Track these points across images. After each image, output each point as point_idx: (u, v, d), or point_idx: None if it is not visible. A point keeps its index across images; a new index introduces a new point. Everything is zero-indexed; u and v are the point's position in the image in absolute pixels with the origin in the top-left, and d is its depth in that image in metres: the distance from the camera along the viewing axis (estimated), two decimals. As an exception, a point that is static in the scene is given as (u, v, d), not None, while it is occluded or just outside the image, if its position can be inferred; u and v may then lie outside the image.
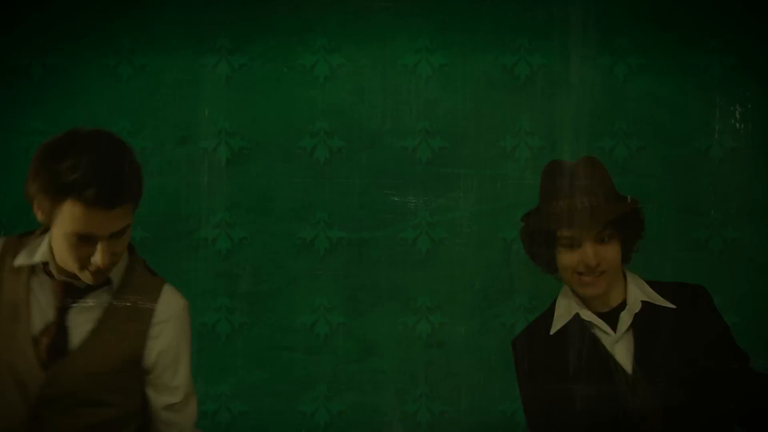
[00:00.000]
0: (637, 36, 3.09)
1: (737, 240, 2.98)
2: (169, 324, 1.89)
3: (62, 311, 1.80)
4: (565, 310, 2.03)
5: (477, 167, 3.03)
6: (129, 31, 3.16)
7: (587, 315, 1.99)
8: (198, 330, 3.08)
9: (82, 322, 1.81)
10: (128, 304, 1.84)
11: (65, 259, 1.75)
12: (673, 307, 1.96)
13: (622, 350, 1.97)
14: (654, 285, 2.03)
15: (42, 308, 1.81)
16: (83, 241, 1.71)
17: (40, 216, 1.75)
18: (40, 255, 1.81)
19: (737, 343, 2.05)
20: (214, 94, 3.18)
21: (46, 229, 1.81)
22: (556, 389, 1.98)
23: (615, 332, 1.98)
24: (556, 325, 2.01)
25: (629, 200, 2.00)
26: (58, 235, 1.74)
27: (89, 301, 1.83)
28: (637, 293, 2.00)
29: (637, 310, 1.97)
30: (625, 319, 1.98)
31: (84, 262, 1.74)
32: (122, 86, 3.13)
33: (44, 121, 3.18)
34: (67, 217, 1.69)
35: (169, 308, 1.90)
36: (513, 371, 2.16)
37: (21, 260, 1.81)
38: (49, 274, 1.81)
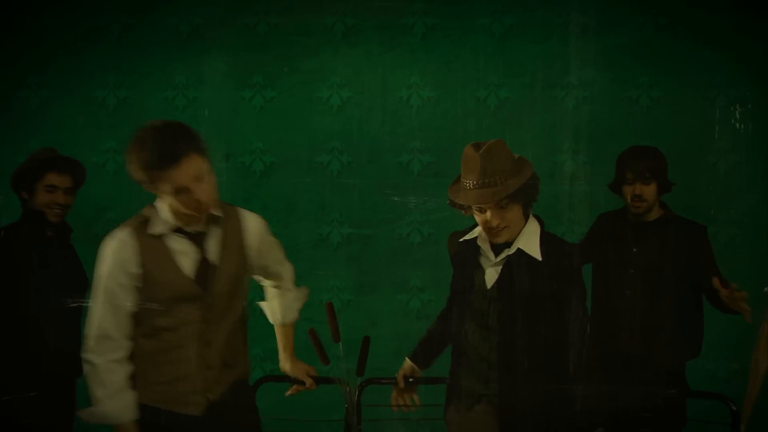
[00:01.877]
0: (583, 75, 3.33)
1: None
2: (255, 234, 2.25)
3: (200, 246, 2.15)
4: (476, 230, 2.34)
5: (457, 178, 3.33)
6: (183, 71, 3.44)
7: (482, 242, 2.32)
8: (237, 306, 3.45)
9: (213, 248, 2.18)
10: (231, 226, 2.21)
11: (178, 208, 2.08)
12: (539, 259, 2.22)
13: (492, 272, 2.29)
14: (544, 235, 2.27)
15: (186, 253, 2.14)
16: (181, 192, 2.04)
17: (149, 189, 2.09)
18: (173, 221, 2.12)
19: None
20: (250, 120, 3.47)
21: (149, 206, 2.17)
22: (455, 276, 2.40)
23: (495, 258, 2.29)
24: (466, 237, 2.36)
25: (526, 172, 2.20)
26: (166, 197, 2.08)
27: (213, 233, 2.17)
28: (520, 240, 2.24)
29: (511, 254, 2.25)
30: (504, 254, 2.27)
31: (190, 205, 2.06)
32: (178, 114, 3.42)
33: (117, 141, 3.46)
34: (161, 183, 2.03)
35: (251, 223, 2.25)
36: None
37: (159, 229, 2.13)
38: (177, 232, 2.14)
